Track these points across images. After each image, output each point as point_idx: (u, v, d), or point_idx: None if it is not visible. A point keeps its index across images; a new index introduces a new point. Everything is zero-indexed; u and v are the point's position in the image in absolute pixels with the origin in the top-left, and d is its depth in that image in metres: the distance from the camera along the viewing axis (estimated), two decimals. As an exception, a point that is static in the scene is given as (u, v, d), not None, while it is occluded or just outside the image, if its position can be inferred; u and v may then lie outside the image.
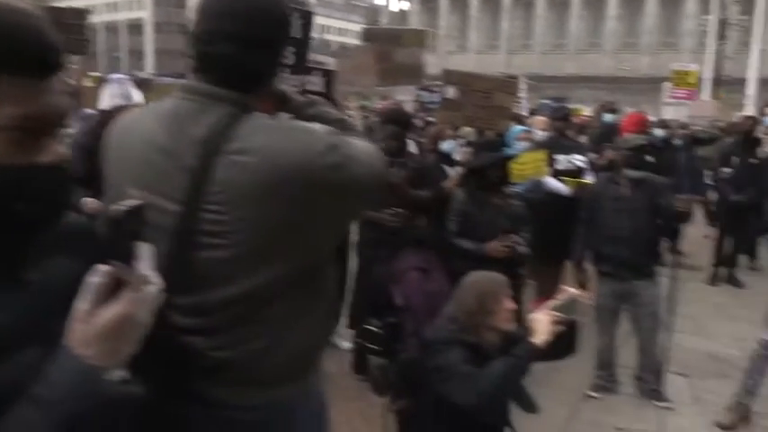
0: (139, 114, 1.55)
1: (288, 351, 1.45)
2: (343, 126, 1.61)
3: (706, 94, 17.45)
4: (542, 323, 2.24)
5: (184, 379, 1.38)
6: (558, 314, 2.26)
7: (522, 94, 8.74)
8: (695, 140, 4.29)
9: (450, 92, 4.62)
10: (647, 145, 4.26)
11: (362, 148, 1.49)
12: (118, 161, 1.43)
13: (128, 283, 0.88)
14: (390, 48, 4.98)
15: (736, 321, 5.56)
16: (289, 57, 2.77)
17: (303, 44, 2.83)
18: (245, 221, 1.30)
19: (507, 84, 4.97)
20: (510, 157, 4.04)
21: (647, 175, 4.06)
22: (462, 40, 45.52)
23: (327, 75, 3.14)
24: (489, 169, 3.82)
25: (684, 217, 3.90)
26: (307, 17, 2.84)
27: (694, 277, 7.13)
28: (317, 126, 1.47)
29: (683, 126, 8.88)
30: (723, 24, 21.57)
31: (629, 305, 4.14)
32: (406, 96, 8.58)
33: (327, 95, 2.93)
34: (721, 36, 20.90)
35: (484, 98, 4.57)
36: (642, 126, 5.75)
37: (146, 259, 0.91)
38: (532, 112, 9.03)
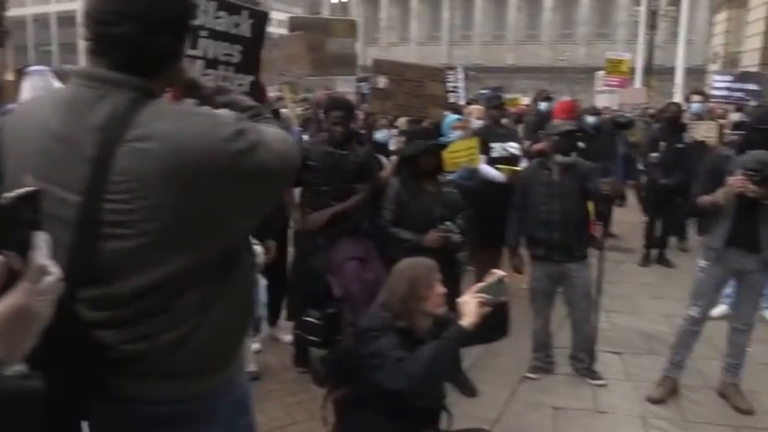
0: (37, 103, 1.49)
1: (202, 341, 1.42)
2: (256, 113, 1.59)
3: (638, 82, 18.02)
4: (470, 306, 2.27)
5: (93, 373, 1.33)
6: (485, 296, 2.29)
7: (460, 83, 8.82)
8: (615, 125, 4.41)
9: (381, 81, 4.62)
10: (576, 130, 4.35)
11: (274, 134, 1.47)
12: (14, 151, 1.37)
13: (23, 273, 0.84)
14: (320, 37, 4.94)
15: (666, 300, 5.78)
16: (234, 55, 2.73)
17: (253, 44, 2.79)
18: (150, 210, 1.26)
19: (437, 72, 5.01)
20: (442, 146, 4.07)
21: (576, 160, 4.15)
22: (404, 31, 45.66)
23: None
24: (422, 157, 3.84)
25: (611, 200, 4.00)
26: (259, 17, 2.78)
27: (628, 259, 7.40)
28: (224, 112, 1.44)
29: (634, 118, 9.17)
30: (653, 15, 22.25)
31: (563, 287, 4.24)
32: (347, 88, 8.58)
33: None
34: (651, 26, 21.57)
35: (415, 87, 4.60)
36: (572, 112, 5.88)
37: (42, 249, 0.87)
38: (470, 102, 9.14)
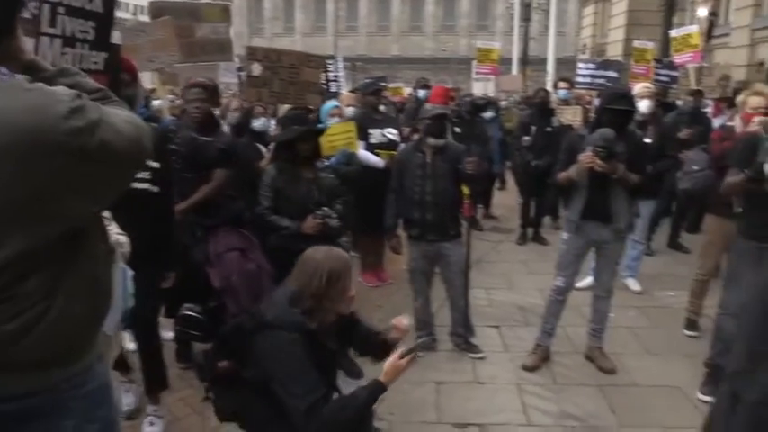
0: None
1: (48, 331, 1.36)
2: (102, 96, 1.53)
3: (515, 71, 18.89)
4: (396, 369, 2.40)
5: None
6: (406, 360, 2.42)
7: (341, 73, 8.86)
8: (474, 107, 4.62)
9: (256, 69, 4.55)
10: (446, 115, 4.50)
11: (123, 116, 1.43)
12: None
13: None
14: (191, 23, 4.79)
15: (540, 275, 6.10)
16: (89, 32, 2.61)
17: (105, 19, 2.67)
18: None
19: (313, 59, 5.01)
20: (319, 131, 4.08)
21: (447, 143, 4.30)
22: (288, 22, 45.10)
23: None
24: (298, 143, 3.83)
25: (476, 179, 4.17)
26: None
27: (506, 239, 7.76)
28: (62, 89, 1.38)
29: (491, 99, 9.56)
30: (527, 8, 23.35)
31: (439, 266, 4.39)
32: (229, 78, 8.36)
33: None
34: (525, 19, 22.64)
35: (291, 74, 4.57)
36: (444, 97, 6.06)
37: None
38: (353, 92, 9.20)
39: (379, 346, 2.68)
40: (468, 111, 7.09)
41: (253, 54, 4.68)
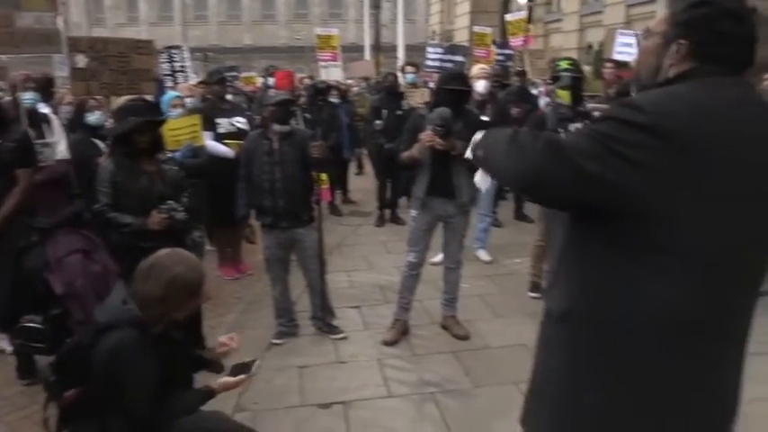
0: None
1: None
2: None
3: (368, 57, 19.19)
4: (230, 384, 2.48)
5: None
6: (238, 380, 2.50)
7: (187, 63, 8.53)
8: (316, 91, 4.67)
9: (81, 60, 4.26)
10: (292, 100, 4.49)
11: None
12: None
13: None
14: (10, 11, 4.39)
15: (398, 254, 6.27)
16: None
17: None
18: None
19: (143, 45, 4.77)
20: (158, 122, 3.90)
21: (293, 128, 4.30)
22: (132, 11, 42.61)
23: None
24: (136, 135, 3.64)
25: (323, 163, 4.22)
26: None
27: (365, 222, 7.92)
28: None
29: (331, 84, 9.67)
30: (377, -4, 23.72)
31: (295, 252, 4.40)
32: (64, 72, 7.76)
33: None
34: (375, 7, 23.00)
35: (121, 63, 4.33)
36: (289, 82, 6.01)
37: None
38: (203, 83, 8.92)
39: (208, 363, 2.68)
40: (311, 95, 7.11)
41: (75, 45, 4.37)
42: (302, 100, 7.72)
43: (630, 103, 1.39)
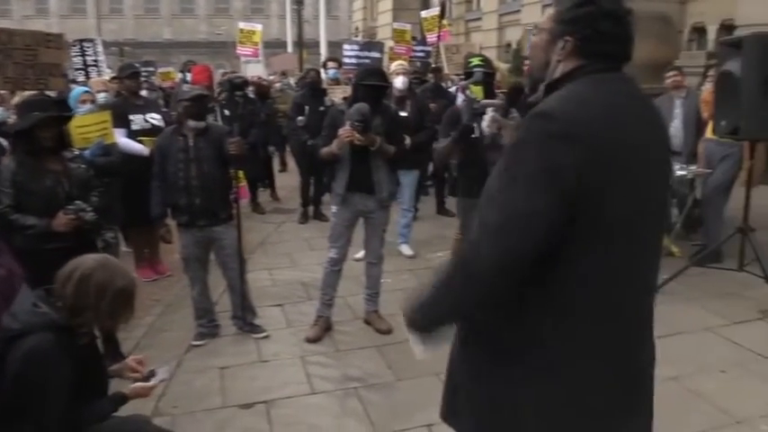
0: None
1: None
2: None
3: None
4: (144, 390, 2.44)
5: None
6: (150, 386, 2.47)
7: (101, 57, 8.21)
8: (232, 86, 4.58)
9: (-20, 55, 4.01)
10: (206, 95, 4.39)
11: None
12: None
13: None
14: None
15: (321, 250, 6.22)
16: None
17: None
18: None
19: (52, 38, 4.53)
20: (64, 118, 3.72)
21: (209, 124, 4.21)
22: (41, 2, 40.52)
23: None
24: (38, 131, 3.46)
25: (241, 160, 4.15)
26: None
27: (289, 219, 7.85)
28: None
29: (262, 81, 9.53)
30: (299, -9, 23.50)
31: (213, 251, 4.31)
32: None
33: None
34: (298, 2, 22.80)
35: (27, 56, 4.11)
36: (206, 77, 5.87)
37: None
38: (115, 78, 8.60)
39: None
40: (227, 91, 6.98)
41: (-25, 38, 4.11)
42: (223, 96, 7.58)
43: (541, 114, 1.46)
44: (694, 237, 6.17)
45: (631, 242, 1.50)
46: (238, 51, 10.30)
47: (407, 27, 10.40)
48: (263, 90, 8.72)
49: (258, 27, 10.77)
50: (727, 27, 10.76)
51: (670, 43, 10.37)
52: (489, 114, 3.86)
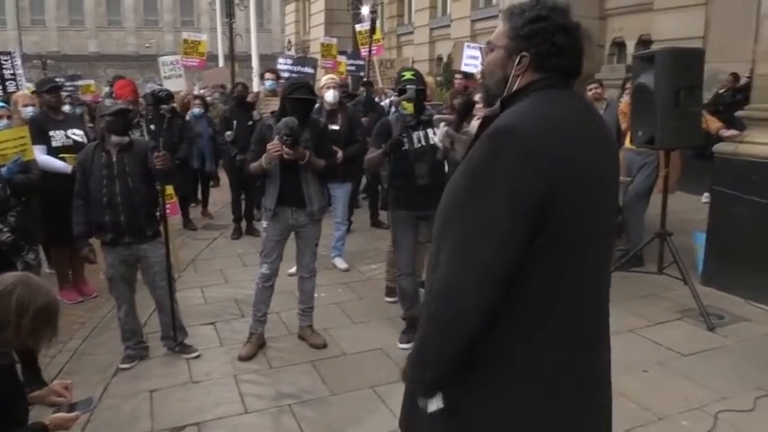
0: None
1: None
2: None
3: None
4: (60, 422, 2.26)
5: None
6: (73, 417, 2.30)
7: (19, 70, 7.87)
8: (156, 100, 4.50)
9: None
10: (129, 110, 4.28)
11: None
12: None
13: None
14: None
15: (254, 266, 6.14)
16: None
17: None
18: None
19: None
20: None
21: (133, 140, 4.10)
22: (-45, 14, 38.60)
23: None
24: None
25: (167, 175, 4.06)
26: None
27: (221, 235, 7.72)
28: None
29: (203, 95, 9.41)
30: (229, 4, 23.19)
31: (141, 269, 4.19)
32: None
33: None
34: (228, 15, 22.50)
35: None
36: (130, 91, 5.72)
37: None
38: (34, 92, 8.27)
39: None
40: (152, 105, 6.83)
41: None
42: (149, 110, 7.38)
43: (501, 131, 1.46)
44: (617, 242, 6.42)
45: (590, 249, 1.54)
46: (184, 63, 10.12)
47: (334, 41, 10.53)
48: (204, 104, 8.66)
49: (203, 37, 10.66)
50: (644, 42, 11.32)
51: (591, 57, 10.80)
52: (442, 129, 3.93)
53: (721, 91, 8.87)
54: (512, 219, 1.40)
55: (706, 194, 5.58)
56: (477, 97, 5.31)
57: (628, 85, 6.08)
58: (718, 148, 5.41)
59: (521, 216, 1.40)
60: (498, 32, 1.62)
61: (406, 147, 4.16)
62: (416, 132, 4.21)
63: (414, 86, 4.19)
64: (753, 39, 5.74)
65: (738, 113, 5.63)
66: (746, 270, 4.98)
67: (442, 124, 4.01)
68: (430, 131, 4.20)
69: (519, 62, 1.56)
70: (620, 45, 12.52)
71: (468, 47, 9.73)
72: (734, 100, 7.98)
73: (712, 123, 5.51)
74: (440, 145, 3.97)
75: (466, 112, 4.52)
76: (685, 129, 4.61)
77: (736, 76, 8.87)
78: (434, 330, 1.50)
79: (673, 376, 3.92)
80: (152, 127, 6.54)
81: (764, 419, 3.41)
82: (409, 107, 4.15)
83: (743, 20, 8.55)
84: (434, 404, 1.57)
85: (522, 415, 1.54)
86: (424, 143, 4.20)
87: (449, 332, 1.47)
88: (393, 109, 7.80)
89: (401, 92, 4.27)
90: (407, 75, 4.36)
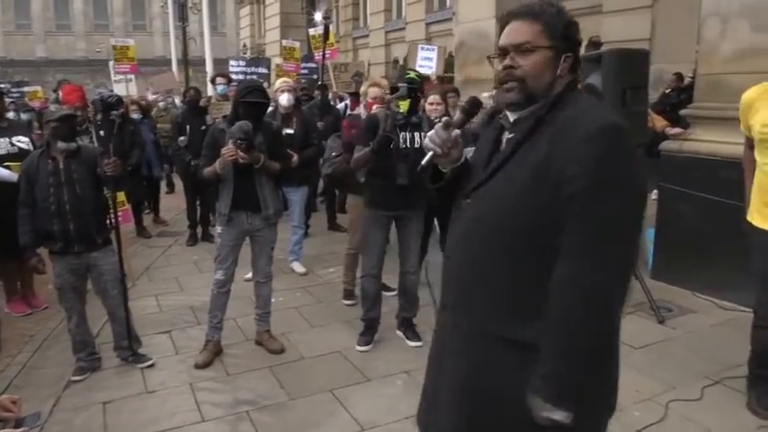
0: None
1: None
2: None
3: (176, 72, 18.46)
4: None
5: None
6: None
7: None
8: (105, 105, 4.40)
9: None
10: (76, 115, 4.18)
11: None
12: None
13: None
14: None
15: (210, 272, 6.05)
16: None
17: None
18: None
19: None
20: None
21: (81, 146, 4.00)
22: None
23: None
24: None
25: (117, 181, 3.97)
26: None
27: (176, 242, 7.60)
28: None
29: (140, 100, 9.22)
30: (182, 8, 22.85)
31: (91, 278, 4.09)
32: None
33: None
34: (181, 19, 22.17)
35: None
36: (77, 97, 5.58)
37: None
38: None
39: None
40: (100, 110, 6.68)
41: None
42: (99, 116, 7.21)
43: (613, 127, 1.52)
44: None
45: None
46: (116, 69, 9.93)
47: (296, 45, 10.46)
48: (144, 110, 8.46)
49: (130, 42, 10.44)
50: (595, 43, 11.56)
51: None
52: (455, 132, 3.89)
53: (667, 91, 9.14)
54: (641, 213, 1.56)
55: (656, 191, 5.72)
56: (431, 98, 5.37)
57: (578, 86, 6.20)
58: (665, 146, 5.57)
59: (642, 209, 1.57)
60: (532, 32, 1.64)
61: (393, 146, 4.11)
62: (403, 133, 4.18)
63: (406, 85, 4.19)
64: (696, 40, 5.92)
65: (682, 112, 5.81)
66: (693, 263, 5.14)
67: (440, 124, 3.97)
68: (416, 135, 4.18)
69: (564, 62, 1.63)
70: (571, 47, 12.77)
71: (423, 48, 9.81)
72: (679, 99, 8.24)
73: (658, 122, 5.67)
74: (430, 146, 3.91)
75: (473, 111, 4.50)
76: (632, 127, 4.72)
77: (680, 77, 9.15)
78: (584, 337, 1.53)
79: (625, 369, 3.91)
80: (101, 133, 6.40)
81: (712, 407, 3.53)
82: (404, 105, 4.14)
83: (687, 22, 8.82)
84: (560, 415, 1.49)
85: None
86: (409, 145, 4.18)
87: (597, 331, 1.56)
88: (349, 112, 7.82)
89: (393, 90, 4.27)
90: (412, 74, 4.34)
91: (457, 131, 1.71)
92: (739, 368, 3.67)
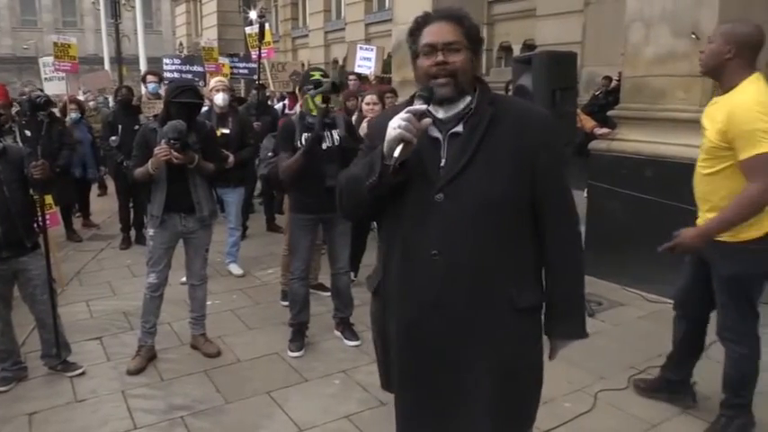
0: None
1: None
2: None
3: (108, 70, 17.89)
4: None
5: None
6: None
7: None
8: (33, 106, 4.21)
9: None
10: (1, 114, 4.00)
11: None
12: None
13: None
14: None
15: (143, 276, 5.92)
16: None
17: None
18: None
19: None
20: None
21: (7, 146, 3.83)
22: None
23: None
24: None
25: (45, 183, 3.82)
26: None
27: (108, 246, 7.38)
28: None
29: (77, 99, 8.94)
30: (115, 5, 22.14)
31: (17, 284, 3.92)
32: None
33: None
34: (114, 16, 21.49)
35: None
36: (1, 94, 5.33)
37: None
38: None
39: None
40: (27, 110, 6.42)
41: None
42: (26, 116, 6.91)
43: None
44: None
45: None
46: (57, 66, 9.62)
47: (215, 45, 10.47)
48: (81, 109, 8.22)
49: (72, 40, 10.13)
50: (529, 46, 11.89)
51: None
52: (426, 120, 3.84)
53: (596, 93, 9.47)
54: None
55: (585, 189, 5.92)
56: (368, 98, 5.39)
57: (510, 87, 6.36)
58: (593, 145, 5.77)
59: None
60: (458, 33, 1.78)
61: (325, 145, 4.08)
62: (325, 132, 4.15)
63: (330, 80, 4.16)
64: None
65: (610, 113, 6.04)
66: (621, 258, 5.35)
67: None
68: (335, 132, 4.16)
69: (477, 62, 1.83)
70: (507, 49, 13.08)
71: (362, 48, 9.84)
72: (607, 101, 8.55)
73: (587, 122, 5.86)
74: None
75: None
76: (561, 127, 4.88)
77: (609, 79, 9.49)
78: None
79: (556, 361, 4.06)
80: (27, 133, 6.14)
81: (637, 395, 3.68)
82: (336, 101, 4.10)
83: (615, 26, 9.15)
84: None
85: None
86: (331, 144, 4.15)
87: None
88: (288, 111, 7.77)
89: (317, 85, 4.16)
90: (316, 75, 4.27)
91: (428, 120, 1.73)
92: (662, 357, 3.84)
